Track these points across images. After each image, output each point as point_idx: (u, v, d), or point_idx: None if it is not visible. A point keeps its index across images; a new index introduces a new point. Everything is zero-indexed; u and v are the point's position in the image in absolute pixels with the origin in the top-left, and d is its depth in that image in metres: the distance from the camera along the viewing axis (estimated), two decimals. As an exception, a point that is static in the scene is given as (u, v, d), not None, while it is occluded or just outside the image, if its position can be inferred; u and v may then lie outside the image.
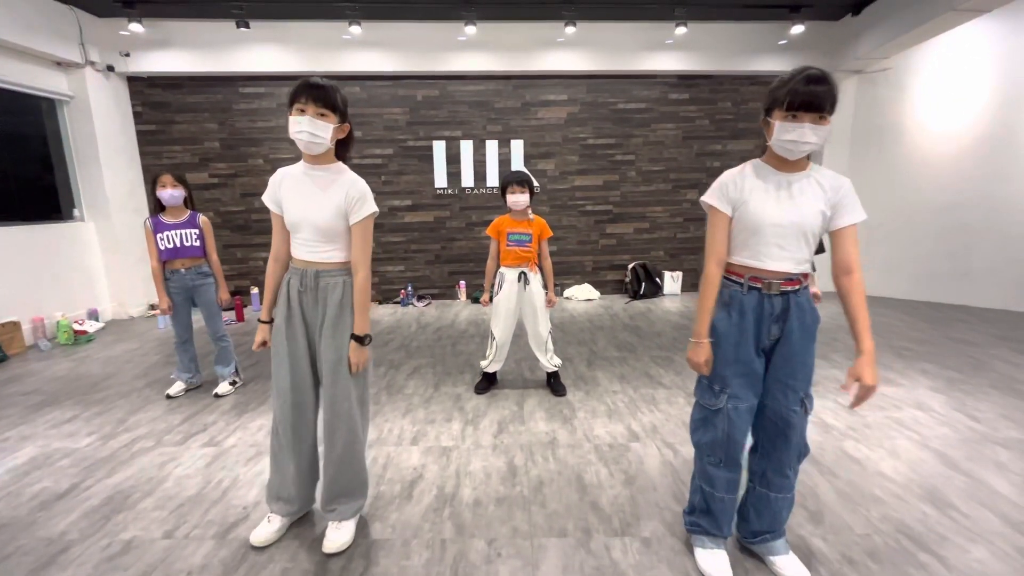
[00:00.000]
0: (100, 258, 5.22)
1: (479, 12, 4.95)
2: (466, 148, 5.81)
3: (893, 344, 4.02)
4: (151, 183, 2.99)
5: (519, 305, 3.01)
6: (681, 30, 5.06)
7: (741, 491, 1.66)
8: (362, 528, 1.87)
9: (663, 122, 5.89)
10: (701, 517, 1.66)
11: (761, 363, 1.51)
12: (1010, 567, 1.63)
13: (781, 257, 1.44)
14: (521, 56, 5.41)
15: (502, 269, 3.02)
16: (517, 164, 5.86)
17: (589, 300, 5.93)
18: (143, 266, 5.54)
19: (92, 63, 4.90)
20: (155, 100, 5.46)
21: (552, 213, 5.96)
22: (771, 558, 1.61)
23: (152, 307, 5.54)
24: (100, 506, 2.05)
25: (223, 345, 3.24)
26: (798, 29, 5.07)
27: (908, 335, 4.27)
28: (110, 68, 5.06)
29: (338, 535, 1.76)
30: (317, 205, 1.63)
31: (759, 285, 1.47)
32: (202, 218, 3.06)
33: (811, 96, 1.29)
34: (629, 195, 6.04)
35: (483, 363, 3.16)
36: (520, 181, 2.86)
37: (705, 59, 5.55)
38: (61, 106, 4.91)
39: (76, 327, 4.52)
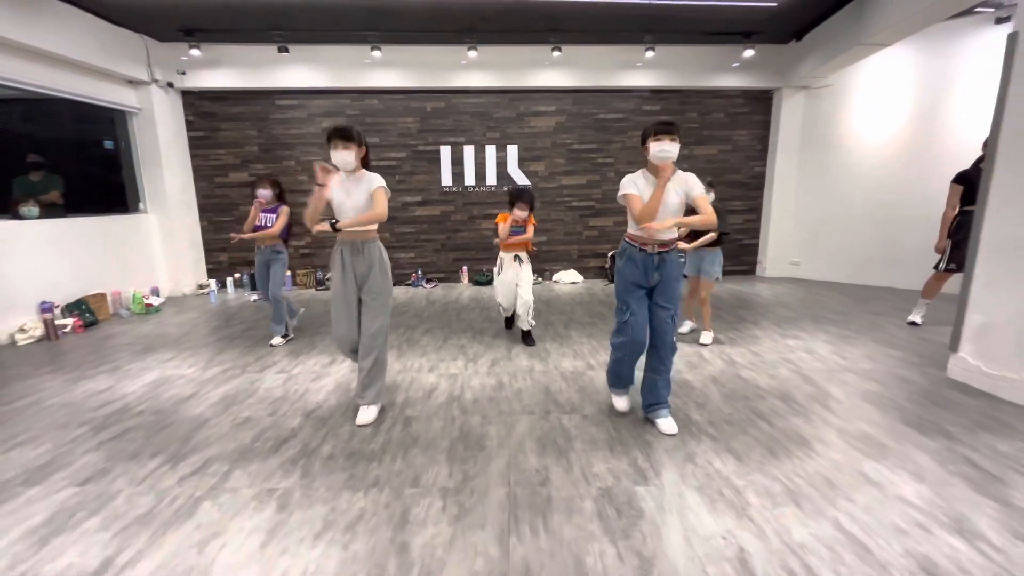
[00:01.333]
0: (160, 244, 6.18)
1: (479, 38, 5.89)
2: (468, 152, 6.75)
3: (814, 314, 4.96)
4: (252, 183, 4.12)
5: (515, 279, 3.95)
6: (650, 53, 5.99)
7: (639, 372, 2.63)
8: (399, 412, 2.82)
9: (638, 130, 6.80)
10: (614, 380, 2.67)
11: (645, 293, 2.46)
12: (811, 426, 2.58)
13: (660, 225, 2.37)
14: (515, 74, 6.35)
15: (502, 254, 3.97)
16: (512, 166, 6.79)
17: (574, 283, 6.87)
18: (194, 251, 6.56)
19: (156, 81, 5.86)
20: (204, 110, 6.42)
21: (542, 208, 6.89)
22: (656, 420, 2.56)
23: (201, 286, 6.50)
24: (218, 401, 3.01)
25: (278, 308, 4.17)
26: (749, 52, 5.98)
27: (832, 308, 5.20)
28: (170, 84, 6.01)
29: (366, 413, 2.69)
30: (355, 196, 2.60)
31: (647, 248, 2.41)
32: (283, 207, 4.08)
33: (665, 126, 2.27)
34: (609, 193, 6.97)
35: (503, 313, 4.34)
36: (527, 201, 3.82)
37: (673, 76, 6.48)
38: (130, 117, 5.87)
39: (145, 300, 5.48)
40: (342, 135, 2.51)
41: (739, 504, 1.95)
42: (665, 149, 2.28)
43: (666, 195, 2.36)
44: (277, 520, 1.90)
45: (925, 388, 3.08)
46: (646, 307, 2.50)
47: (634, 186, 2.42)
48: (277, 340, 4.16)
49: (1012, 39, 2.85)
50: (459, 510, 1.95)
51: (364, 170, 2.66)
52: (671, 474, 2.17)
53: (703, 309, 4.00)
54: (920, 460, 2.26)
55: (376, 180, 2.62)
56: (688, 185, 2.40)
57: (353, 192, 2.60)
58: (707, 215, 2.37)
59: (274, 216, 4.01)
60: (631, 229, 2.49)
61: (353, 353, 2.79)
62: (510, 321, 4.30)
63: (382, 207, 2.59)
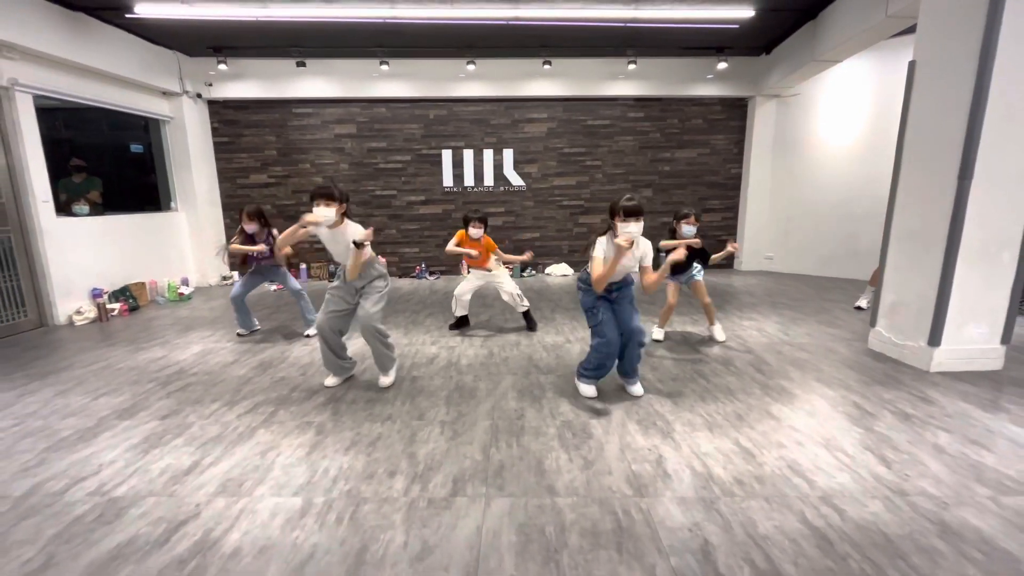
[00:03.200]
0: (188, 239, 6.83)
1: (477, 52, 6.51)
2: (468, 155, 7.38)
3: (774, 300, 5.56)
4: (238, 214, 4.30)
5: (481, 283, 4.41)
6: (632, 66, 6.60)
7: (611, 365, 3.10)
8: (406, 373, 3.45)
9: (623, 135, 7.43)
10: (590, 371, 3.03)
11: (611, 307, 2.97)
12: (741, 382, 3.19)
13: (616, 276, 2.88)
14: (510, 85, 6.98)
15: (470, 268, 4.41)
16: (508, 168, 7.42)
17: (564, 275, 7.49)
18: (218, 245, 7.17)
19: (186, 92, 6.51)
20: (228, 118, 7.06)
21: (535, 207, 7.52)
22: (628, 388, 3.11)
23: (224, 278, 7.15)
24: (257, 366, 3.64)
25: (302, 302, 4.49)
26: (722, 65, 6.58)
27: (792, 296, 5.80)
28: (198, 95, 6.66)
29: (386, 379, 3.24)
30: (339, 243, 2.99)
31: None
32: (274, 234, 4.20)
33: (632, 210, 2.67)
34: (597, 193, 7.59)
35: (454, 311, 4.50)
36: (479, 219, 4.11)
37: (655, 86, 7.09)
38: (163, 124, 6.52)
39: (178, 289, 6.12)
40: (324, 194, 2.83)
41: (666, 430, 2.57)
42: (630, 231, 2.63)
43: (624, 259, 2.76)
44: (316, 440, 2.53)
45: (845, 356, 3.68)
46: (611, 311, 2.92)
47: (601, 251, 2.77)
48: (312, 330, 4.34)
49: (912, 67, 3.45)
50: (454, 433, 2.57)
51: (347, 221, 2.98)
52: (619, 413, 2.79)
53: (709, 309, 4.09)
54: (817, 403, 2.87)
55: (353, 233, 2.92)
56: (643, 252, 2.80)
57: (338, 240, 2.99)
58: (649, 281, 2.79)
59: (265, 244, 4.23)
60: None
61: (329, 339, 3.14)
62: (462, 321, 4.51)
63: (359, 261, 2.94)
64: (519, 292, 4.44)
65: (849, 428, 2.57)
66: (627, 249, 2.62)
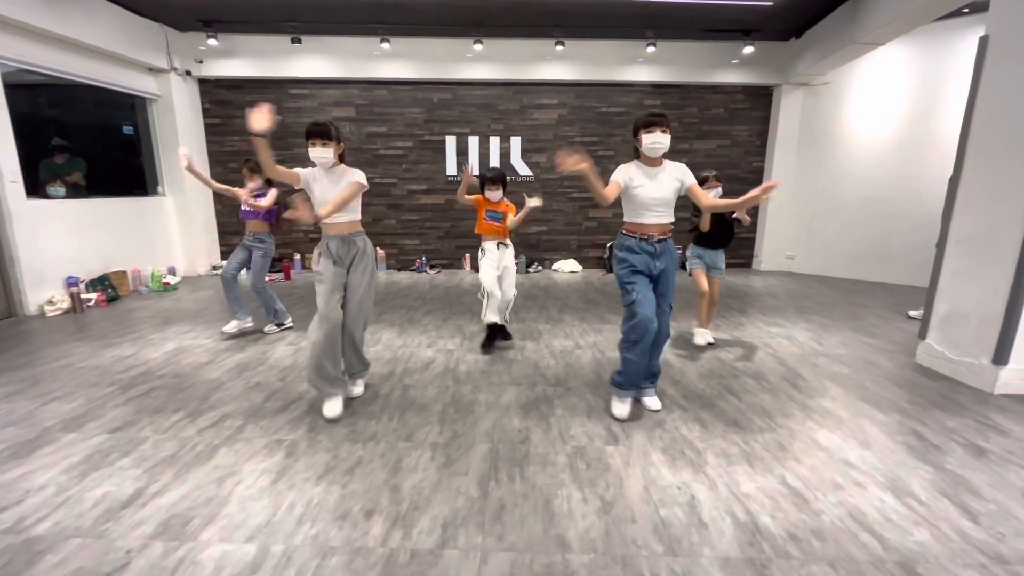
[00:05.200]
0: (176, 226, 6.47)
1: (485, 32, 6.06)
2: (473, 143, 6.95)
3: (800, 304, 5.13)
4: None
5: (501, 263, 3.59)
6: (651, 49, 6.14)
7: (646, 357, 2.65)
8: (397, 380, 3.07)
9: (639, 124, 6.96)
10: (622, 379, 2.61)
11: (650, 279, 2.54)
12: (777, 401, 2.79)
13: (658, 216, 2.47)
14: (520, 67, 6.53)
15: (484, 243, 3.60)
16: (516, 158, 6.99)
17: (573, 272, 7.08)
18: (208, 234, 6.85)
19: (175, 69, 6.11)
20: (220, 99, 6.67)
21: (543, 199, 7.08)
22: (643, 398, 2.73)
23: (214, 267, 6.79)
24: (232, 368, 3.27)
25: (262, 298, 4.05)
26: (748, 50, 6.11)
27: (819, 300, 5.37)
28: (188, 73, 6.26)
29: (357, 388, 2.85)
30: (337, 190, 2.58)
31: (645, 236, 2.50)
32: (271, 189, 4.01)
33: (655, 117, 2.35)
34: (609, 185, 7.14)
35: (482, 316, 3.55)
36: (495, 178, 3.49)
37: (674, 72, 6.62)
38: (150, 104, 6.14)
39: (163, 279, 5.76)
40: (321, 134, 2.51)
41: (697, 462, 2.18)
42: (657, 140, 2.35)
43: (660, 186, 2.44)
44: (285, 464, 2.15)
45: (891, 371, 3.27)
46: (651, 289, 2.50)
47: (622, 174, 2.46)
48: (270, 327, 4.10)
49: (983, 42, 3.00)
50: (446, 460, 2.19)
51: (342, 165, 2.64)
52: (640, 437, 2.39)
53: (712, 309, 3.83)
54: (870, 431, 2.47)
55: (355, 174, 2.60)
56: (683, 174, 2.48)
57: (335, 187, 2.57)
58: (706, 199, 2.53)
59: (262, 197, 3.95)
60: (627, 219, 2.54)
61: (331, 333, 2.61)
62: (495, 333, 3.69)
63: (346, 194, 2.54)
64: (512, 301, 3.72)
65: (915, 465, 2.17)
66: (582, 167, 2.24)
